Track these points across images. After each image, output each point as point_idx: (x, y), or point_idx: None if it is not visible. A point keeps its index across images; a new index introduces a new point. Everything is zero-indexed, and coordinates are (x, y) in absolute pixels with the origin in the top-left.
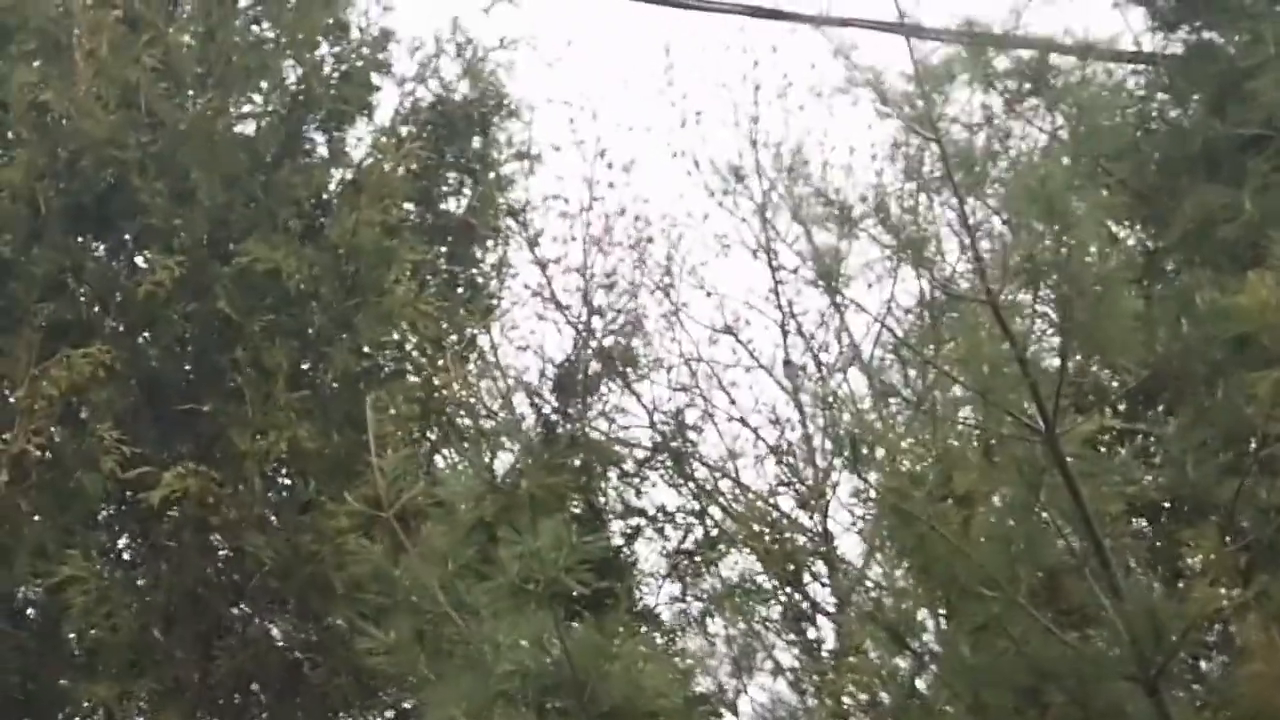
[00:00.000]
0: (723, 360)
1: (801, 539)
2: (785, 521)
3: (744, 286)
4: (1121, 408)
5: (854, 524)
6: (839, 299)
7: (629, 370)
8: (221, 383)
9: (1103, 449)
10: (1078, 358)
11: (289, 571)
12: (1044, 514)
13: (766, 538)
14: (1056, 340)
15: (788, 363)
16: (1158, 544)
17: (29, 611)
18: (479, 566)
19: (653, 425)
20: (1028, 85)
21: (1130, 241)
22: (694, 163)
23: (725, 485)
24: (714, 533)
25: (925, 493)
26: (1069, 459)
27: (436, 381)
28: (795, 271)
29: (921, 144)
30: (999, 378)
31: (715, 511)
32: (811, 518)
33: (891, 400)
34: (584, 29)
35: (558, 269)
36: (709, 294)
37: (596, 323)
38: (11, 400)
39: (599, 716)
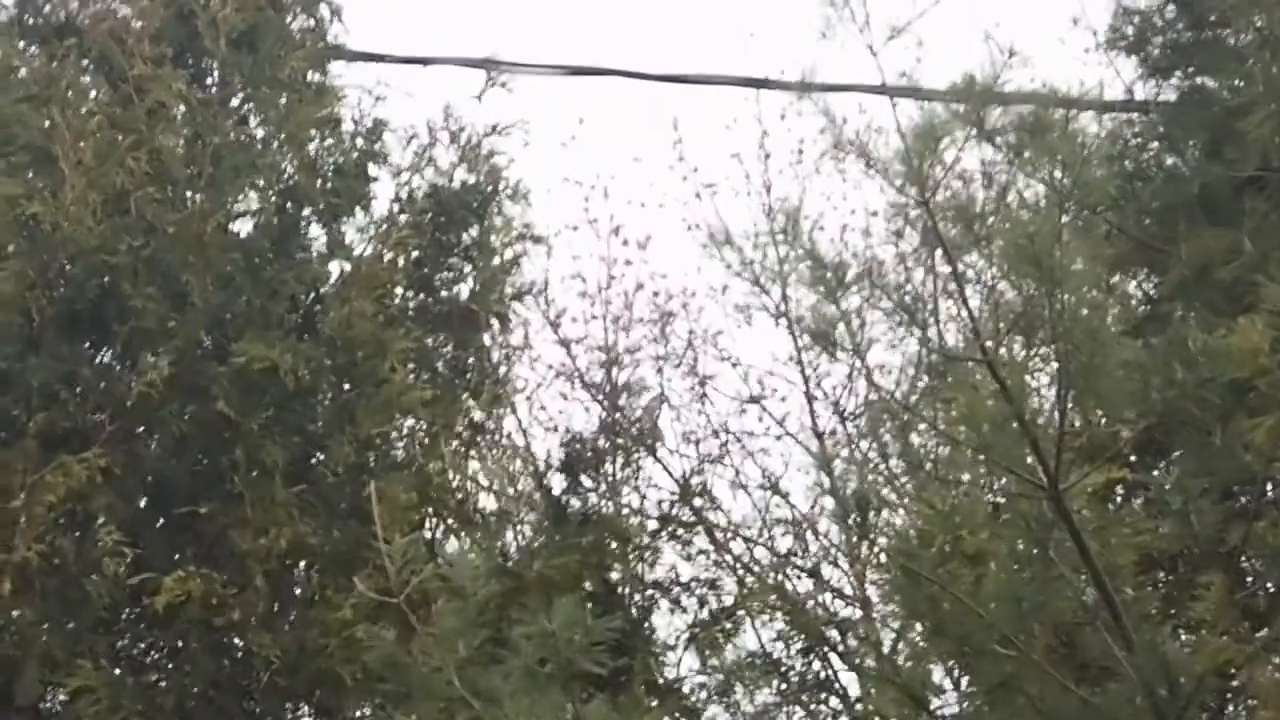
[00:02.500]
0: (749, 429)
1: (828, 603)
2: (811, 588)
3: (768, 354)
4: (1128, 458)
5: (863, 588)
6: (858, 362)
7: (652, 444)
8: (221, 483)
9: (1109, 501)
10: (1077, 411)
11: (297, 667)
12: (1054, 569)
13: (787, 606)
14: (1055, 394)
15: (816, 430)
16: (1168, 594)
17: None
18: (492, 650)
19: (681, 497)
20: (1022, 139)
21: (1130, 290)
22: (709, 235)
23: (752, 552)
24: (738, 600)
25: (933, 553)
26: (1075, 513)
27: (438, 469)
28: (815, 337)
29: (908, 208)
30: (1000, 435)
31: (742, 580)
32: (848, 582)
33: (895, 462)
34: (589, 108)
35: (580, 348)
36: (733, 364)
37: (622, 399)
38: (11, 508)
39: None
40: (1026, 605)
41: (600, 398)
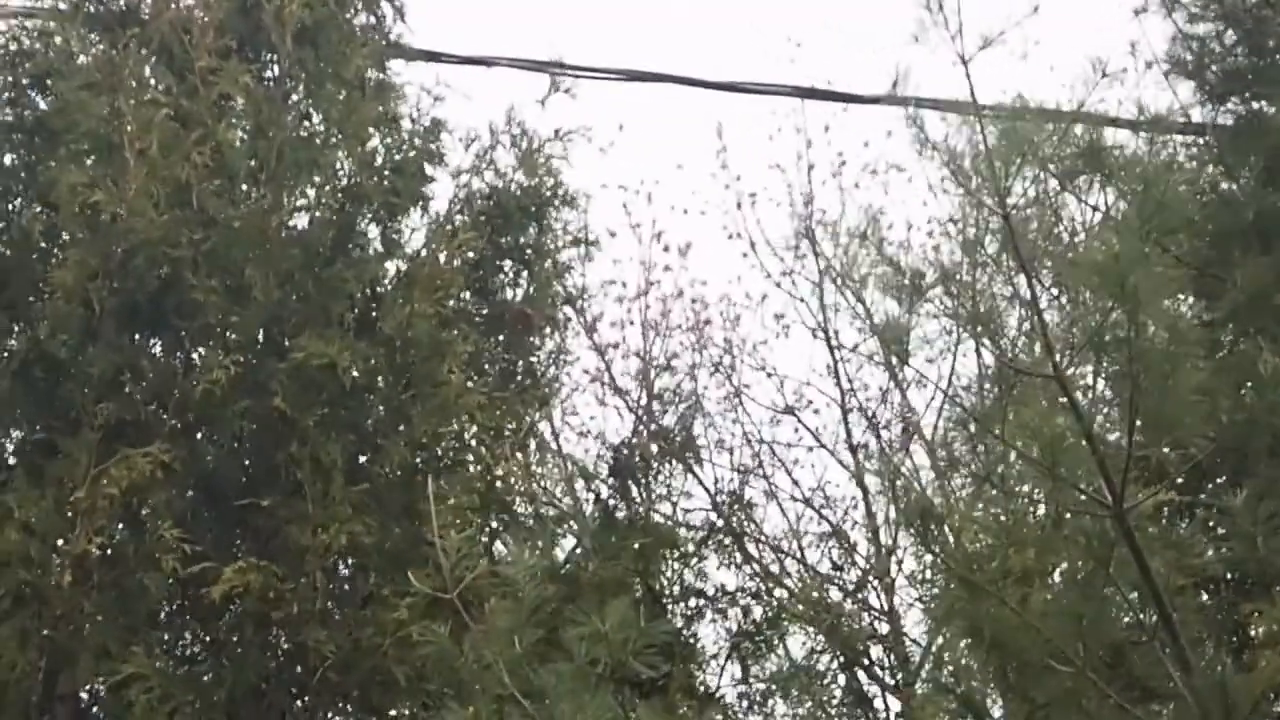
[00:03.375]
0: (784, 440)
1: (865, 618)
2: (847, 601)
3: (804, 366)
4: (1185, 480)
5: (918, 601)
6: (901, 374)
7: (689, 453)
8: (279, 479)
9: (1166, 522)
10: (1143, 431)
11: (350, 665)
12: (1113, 587)
13: (827, 618)
14: (1119, 413)
15: (851, 443)
16: (1224, 617)
17: (94, 709)
18: (543, 650)
19: (714, 507)
20: (1080, 162)
21: (1188, 313)
22: (750, 244)
23: (787, 565)
24: (774, 613)
25: (992, 567)
26: (1135, 532)
27: (495, 471)
28: (855, 349)
29: (982, 219)
30: (1065, 452)
31: (777, 592)
32: (876, 596)
33: (956, 475)
34: (637, 113)
35: (617, 353)
36: (769, 374)
37: (656, 406)
38: (72, 501)
39: None
40: (1086, 622)
41: (636, 406)
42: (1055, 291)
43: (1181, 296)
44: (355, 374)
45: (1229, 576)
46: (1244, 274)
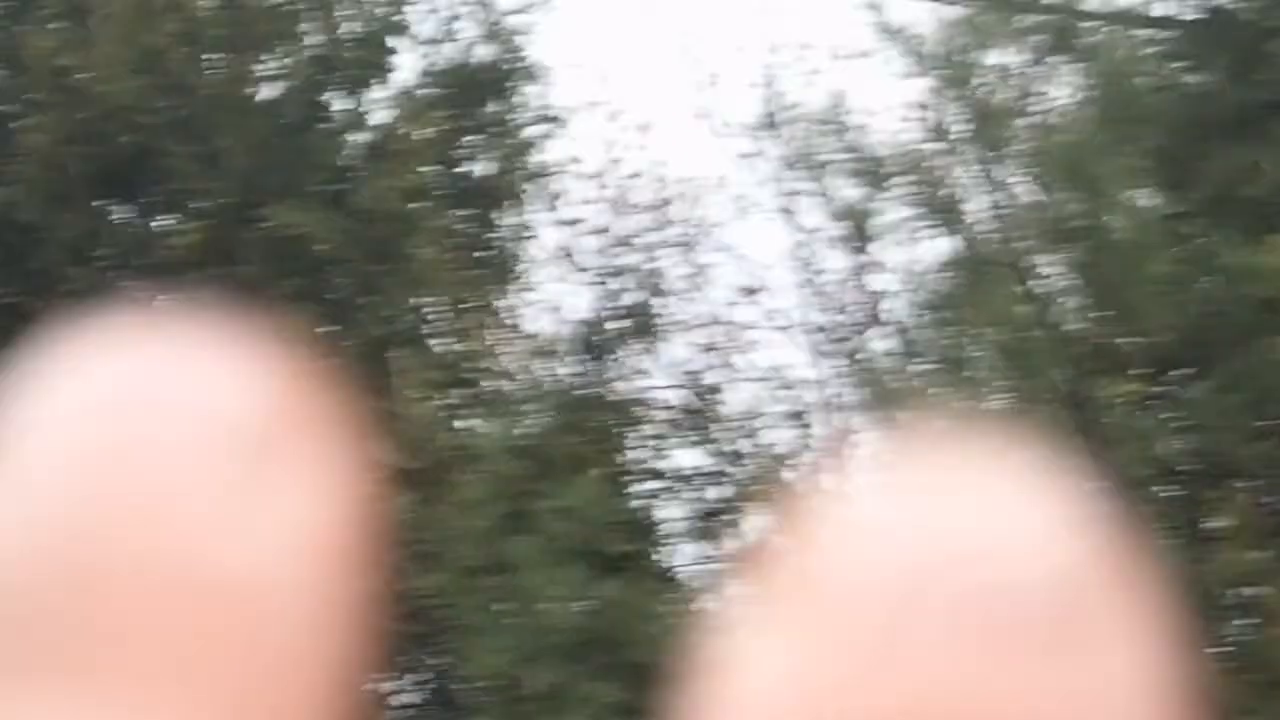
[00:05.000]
0: (745, 321)
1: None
2: (807, 482)
3: (766, 248)
4: (1147, 371)
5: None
6: (862, 259)
7: (650, 331)
8: None
9: (1128, 412)
10: (1105, 321)
11: None
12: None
13: (787, 499)
14: (1082, 303)
15: (812, 325)
16: (1184, 507)
17: None
18: (509, 522)
19: (676, 386)
20: (1052, 44)
21: (1154, 205)
22: (713, 125)
23: (747, 447)
24: (734, 494)
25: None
26: (1097, 421)
27: (460, 345)
28: (818, 231)
29: (948, 104)
30: (1027, 340)
31: (736, 473)
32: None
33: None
34: None
35: (579, 231)
36: (731, 256)
37: (618, 283)
38: None
39: (633, 670)
40: None
41: (599, 282)
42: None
43: (1149, 189)
44: (327, 245)
45: (1191, 467)
46: (1213, 166)
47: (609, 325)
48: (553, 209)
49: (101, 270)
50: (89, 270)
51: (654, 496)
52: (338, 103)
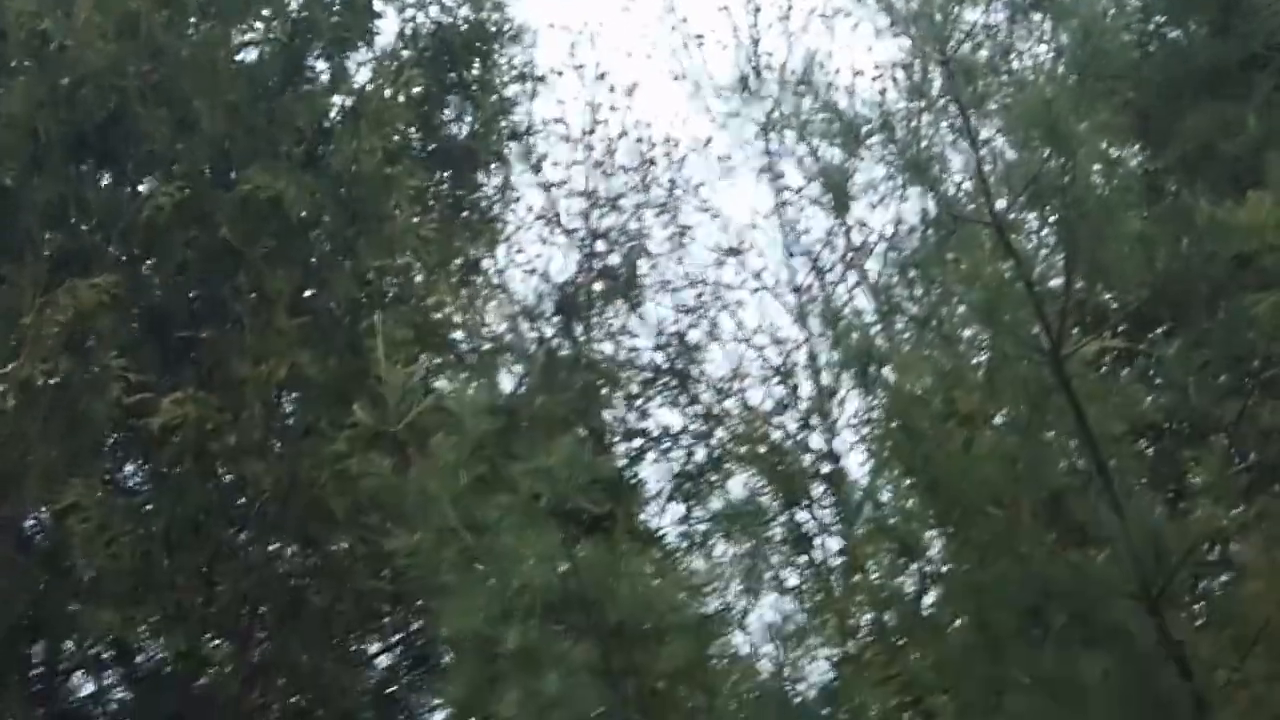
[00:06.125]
0: (728, 281)
1: (806, 459)
2: (789, 442)
3: (748, 208)
4: (1123, 328)
5: (859, 442)
6: (844, 217)
7: (632, 292)
8: (223, 310)
9: (1105, 370)
10: (1081, 279)
11: (289, 497)
12: (1048, 434)
13: (769, 459)
14: (1060, 261)
15: (793, 286)
16: (1160, 465)
17: (38, 537)
18: (487, 483)
19: (658, 347)
20: (1029, 0)
21: (1131, 162)
22: (695, 85)
23: (730, 407)
24: (718, 454)
25: (930, 411)
26: (1073, 379)
27: (439, 306)
28: (799, 191)
29: (926, 63)
30: (1004, 297)
31: (719, 433)
32: (817, 438)
33: (897, 319)
34: None
35: (561, 192)
36: (714, 216)
37: (600, 245)
38: (18, 328)
39: (609, 631)
40: (1022, 467)
41: (581, 243)
42: (1001, 136)
43: (1124, 145)
44: (301, 207)
45: (1167, 425)
46: (1191, 121)
47: (590, 286)
48: (534, 170)
49: (77, 235)
50: (65, 235)
51: (634, 457)
52: (318, 65)
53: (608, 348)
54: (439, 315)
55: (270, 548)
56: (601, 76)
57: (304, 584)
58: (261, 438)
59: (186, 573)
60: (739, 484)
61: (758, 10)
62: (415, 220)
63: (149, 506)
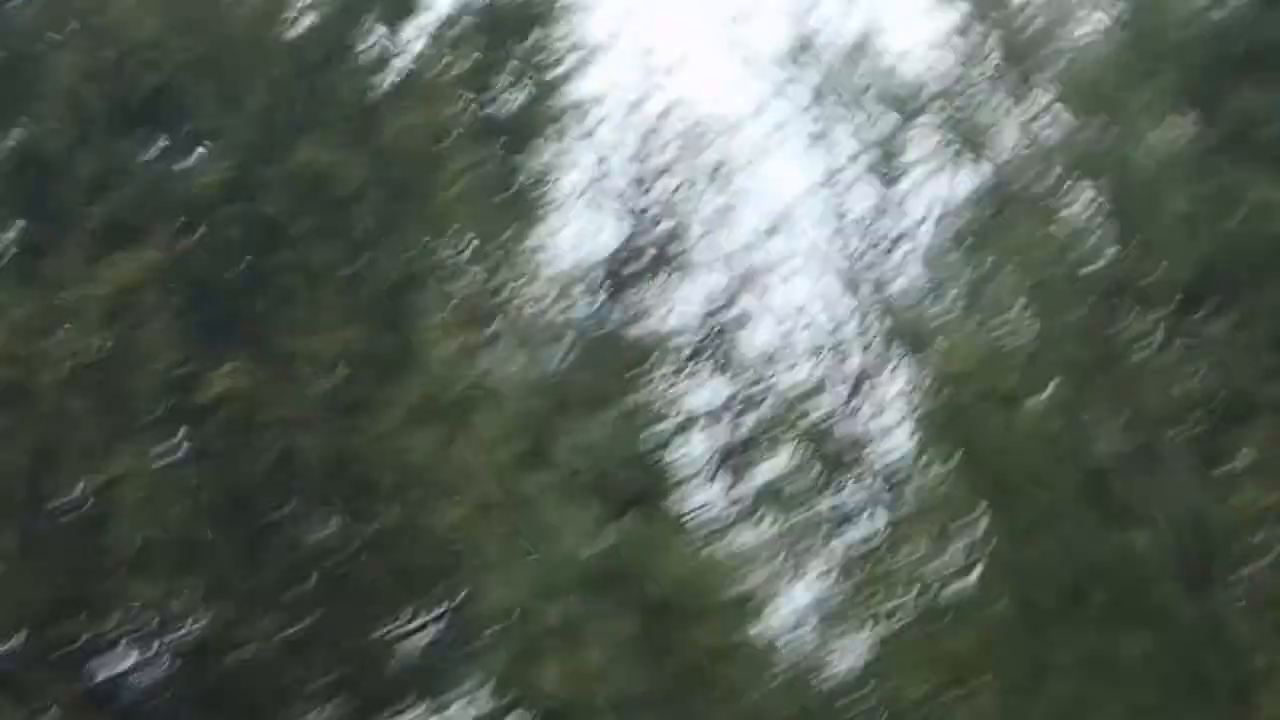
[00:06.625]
0: (775, 254)
1: (851, 435)
2: (834, 418)
3: (794, 183)
4: (1172, 307)
5: (906, 418)
6: (893, 190)
7: (679, 266)
8: (270, 284)
9: (1151, 348)
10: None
11: (336, 471)
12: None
13: (813, 434)
14: (1108, 237)
15: (838, 259)
16: (1205, 444)
17: (83, 508)
18: (529, 460)
19: (704, 321)
20: None
21: (1179, 138)
22: (746, 57)
23: (775, 382)
24: (761, 431)
25: (975, 389)
26: (1120, 357)
27: (486, 281)
28: (850, 163)
29: (979, 35)
30: (1052, 274)
31: (762, 409)
32: (863, 414)
33: (946, 294)
34: None
35: (611, 164)
36: (757, 192)
37: (648, 218)
38: (61, 301)
39: (649, 607)
40: (1064, 446)
41: (629, 216)
42: (1052, 110)
43: (1175, 123)
44: (349, 182)
45: (1213, 404)
46: (1239, 100)
47: (633, 261)
48: (581, 144)
49: (122, 208)
50: (109, 208)
51: (674, 433)
52: (369, 37)
53: (654, 321)
54: (484, 290)
55: (316, 521)
56: (649, 50)
57: (349, 557)
58: (309, 411)
59: (232, 545)
60: (782, 461)
61: None
62: (464, 195)
63: (197, 479)
